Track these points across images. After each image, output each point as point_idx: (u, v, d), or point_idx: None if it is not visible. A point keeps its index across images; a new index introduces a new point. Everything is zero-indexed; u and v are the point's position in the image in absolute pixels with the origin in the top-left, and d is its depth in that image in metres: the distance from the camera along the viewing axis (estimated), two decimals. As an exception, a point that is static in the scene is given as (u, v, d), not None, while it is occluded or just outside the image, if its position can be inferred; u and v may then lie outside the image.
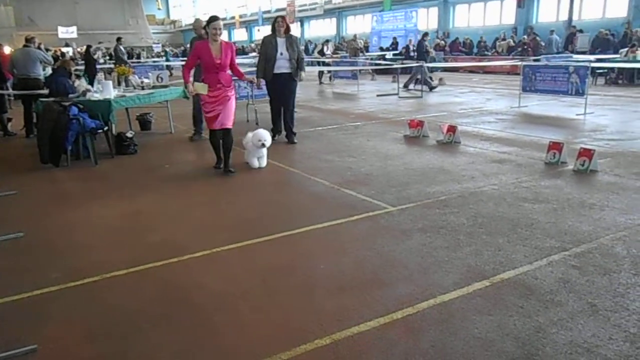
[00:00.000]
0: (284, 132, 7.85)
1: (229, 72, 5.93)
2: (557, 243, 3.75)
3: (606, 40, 18.02)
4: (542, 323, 2.71)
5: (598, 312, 2.80)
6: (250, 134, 6.17)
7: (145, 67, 17.91)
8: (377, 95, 14.39)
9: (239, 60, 8.07)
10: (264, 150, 6.16)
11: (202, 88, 5.77)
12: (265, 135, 6.02)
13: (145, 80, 8.89)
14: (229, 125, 5.92)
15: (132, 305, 3.07)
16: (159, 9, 55.04)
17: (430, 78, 15.44)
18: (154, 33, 51.83)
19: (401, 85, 14.91)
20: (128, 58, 23.25)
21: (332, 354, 2.52)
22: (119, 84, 8.59)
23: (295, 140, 7.74)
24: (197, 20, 8.30)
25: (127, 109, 8.71)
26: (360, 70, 17.61)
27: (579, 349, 2.47)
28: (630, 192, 4.89)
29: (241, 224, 4.41)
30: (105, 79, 8.60)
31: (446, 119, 9.28)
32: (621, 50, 15.96)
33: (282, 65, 7.34)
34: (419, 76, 14.84)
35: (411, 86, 15.27)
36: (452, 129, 7.43)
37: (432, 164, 6.26)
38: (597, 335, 2.58)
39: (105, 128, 7.04)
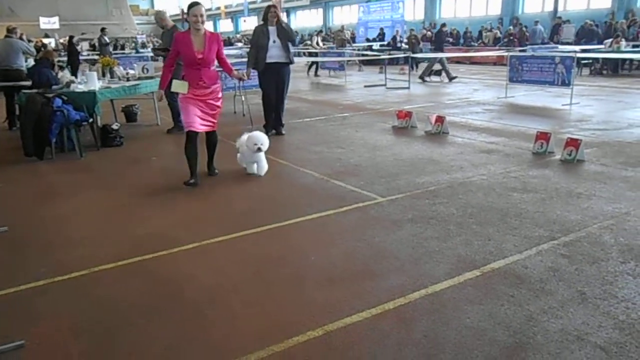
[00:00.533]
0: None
1: (214, 68, 5.17)
2: (546, 232, 3.77)
3: (591, 31, 18.17)
4: (533, 312, 2.73)
5: (587, 300, 2.83)
6: (244, 136, 5.47)
7: (130, 58, 17.67)
8: (365, 86, 14.36)
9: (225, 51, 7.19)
10: (262, 155, 5.44)
11: (180, 86, 4.97)
12: (262, 139, 5.32)
13: (131, 72, 8.77)
14: (213, 127, 5.25)
15: (121, 299, 3.03)
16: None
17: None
18: (138, 24, 51.15)
19: (389, 76, 14.90)
20: (112, 49, 22.94)
21: (325, 345, 2.51)
22: (104, 75, 8.45)
23: (284, 132, 7.68)
24: (158, 13, 7.98)
25: (112, 100, 8.59)
26: (347, 61, 17.54)
27: (569, 337, 2.49)
28: (617, 181, 4.94)
29: (231, 216, 4.38)
30: (90, 70, 8.46)
31: (434, 110, 9.29)
32: (605, 41, 16.10)
33: (274, 55, 7.21)
34: (435, 68, 14.81)
35: (427, 78, 15.16)
36: (440, 120, 7.44)
37: (421, 154, 6.27)
38: (587, 323, 2.60)
39: (90, 120, 6.93)
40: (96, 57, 17.56)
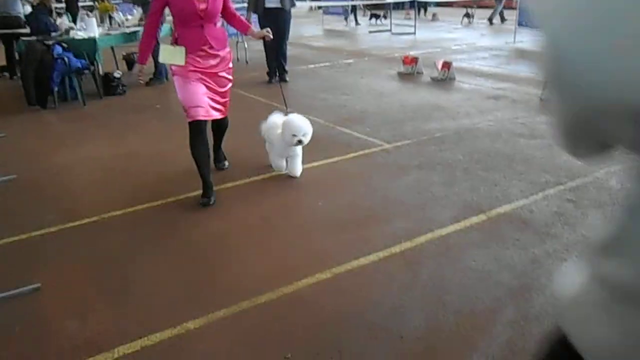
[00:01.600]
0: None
1: (220, 24, 3.68)
2: (553, 177, 3.77)
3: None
4: (538, 255, 2.77)
5: (592, 243, 2.85)
6: (275, 120, 3.92)
7: (128, 5, 17.19)
8: (370, 32, 14.02)
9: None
10: (299, 149, 3.91)
11: (174, 54, 3.41)
12: (303, 127, 3.72)
13: (130, 17, 8.55)
14: (223, 114, 3.76)
15: (131, 244, 3.08)
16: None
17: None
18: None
19: (394, 21, 14.50)
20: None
21: (333, 287, 2.57)
22: (102, 21, 8.25)
23: (287, 79, 7.57)
24: None
25: (112, 47, 8.42)
26: (351, 6, 17.04)
27: (573, 279, 2.53)
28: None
29: (237, 163, 4.38)
30: (88, 17, 8.26)
31: (440, 56, 9.10)
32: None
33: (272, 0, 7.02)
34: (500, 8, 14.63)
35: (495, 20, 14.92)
36: (446, 65, 7.30)
37: (427, 100, 6.19)
38: (591, 265, 2.64)
39: (92, 68, 6.83)
40: (93, 2, 17.08)
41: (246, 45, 9.21)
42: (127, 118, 6.08)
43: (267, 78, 7.57)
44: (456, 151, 4.38)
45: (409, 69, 7.80)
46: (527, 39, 10.91)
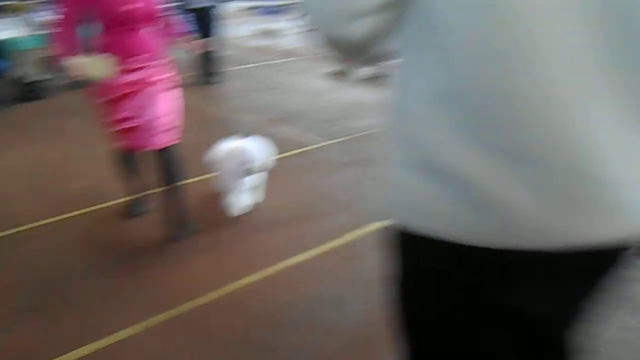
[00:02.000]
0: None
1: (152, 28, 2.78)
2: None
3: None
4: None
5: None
6: (224, 146, 3.40)
7: (45, 4, 16.32)
8: (305, 31, 14.08)
9: None
10: (255, 179, 3.38)
11: (99, 66, 2.60)
12: (253, 153, 3.15)
13: (47, 18, 8.14)
14: (169, 140, 2.88)
15: (56, 254, 2.97)
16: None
17: None
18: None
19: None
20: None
21: (270, 285, 2.60)
22: (17, 22, 7.80)
23: (217, 81, 7.48)
24: None
25: (29, 50, 7.99)
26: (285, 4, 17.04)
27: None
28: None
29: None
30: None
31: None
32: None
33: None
34: None
35: None
36: (377, 64, 7.46)
37: (359, 98, 6.33)
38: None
39: (7, 70, 6.46)
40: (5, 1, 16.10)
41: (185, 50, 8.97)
42: (49, 123, 5.80)
43: (200, 80, 7.45)
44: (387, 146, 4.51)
45: (342, 68, 7.92)
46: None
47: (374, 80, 7.33)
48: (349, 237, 3.02)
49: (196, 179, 3.85)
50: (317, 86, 7.11)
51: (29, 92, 6.79)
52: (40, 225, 3.30)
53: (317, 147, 4.58)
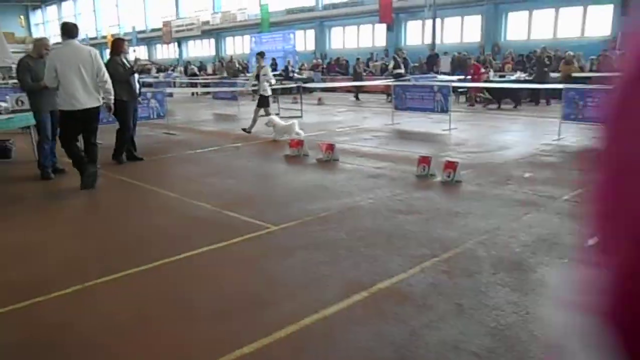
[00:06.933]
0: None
1: None
2: (429, 250, 4.02)
3: (464, 61, 19.83)
4: (415, 326, 2.88)
5: (463, 311, 3.04)
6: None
7: (3, 90, 16.31)
8: (260, 116, 14.43)
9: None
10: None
11: None
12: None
13: (3, 104, 8.10)
14: None
15: (-12, 354, 2.75)
16: (22, 26, 50.64)
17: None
18: (13, 52, 47.41)
19: (281, 105, 15.12)
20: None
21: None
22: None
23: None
24: (39, 40, 7.43)
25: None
26: (240, 91, 17.59)
27: (447, 347, 2.67)
28: (489, 199, 5.40)
29: (117, 253, 4.16)
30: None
31: (325, 138, 9.59)
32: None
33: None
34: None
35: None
36: (330, 147, 7.69)
37: (312, 181, 6.42)
38: (463, 333, 2.80)
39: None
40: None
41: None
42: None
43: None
44: (339, 230, 4.54)
45: (295, 152, 8.09)
46: (403, 121, 11.88)
47: (327, 163, 7.49)
48: (296, 326, 2.93)
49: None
50: (272, 169, 7.21)
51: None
52: (-33, 323, 3.08)
53: (270, 232, 4.55)
